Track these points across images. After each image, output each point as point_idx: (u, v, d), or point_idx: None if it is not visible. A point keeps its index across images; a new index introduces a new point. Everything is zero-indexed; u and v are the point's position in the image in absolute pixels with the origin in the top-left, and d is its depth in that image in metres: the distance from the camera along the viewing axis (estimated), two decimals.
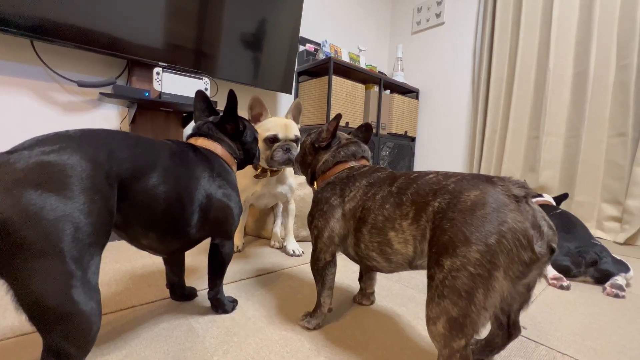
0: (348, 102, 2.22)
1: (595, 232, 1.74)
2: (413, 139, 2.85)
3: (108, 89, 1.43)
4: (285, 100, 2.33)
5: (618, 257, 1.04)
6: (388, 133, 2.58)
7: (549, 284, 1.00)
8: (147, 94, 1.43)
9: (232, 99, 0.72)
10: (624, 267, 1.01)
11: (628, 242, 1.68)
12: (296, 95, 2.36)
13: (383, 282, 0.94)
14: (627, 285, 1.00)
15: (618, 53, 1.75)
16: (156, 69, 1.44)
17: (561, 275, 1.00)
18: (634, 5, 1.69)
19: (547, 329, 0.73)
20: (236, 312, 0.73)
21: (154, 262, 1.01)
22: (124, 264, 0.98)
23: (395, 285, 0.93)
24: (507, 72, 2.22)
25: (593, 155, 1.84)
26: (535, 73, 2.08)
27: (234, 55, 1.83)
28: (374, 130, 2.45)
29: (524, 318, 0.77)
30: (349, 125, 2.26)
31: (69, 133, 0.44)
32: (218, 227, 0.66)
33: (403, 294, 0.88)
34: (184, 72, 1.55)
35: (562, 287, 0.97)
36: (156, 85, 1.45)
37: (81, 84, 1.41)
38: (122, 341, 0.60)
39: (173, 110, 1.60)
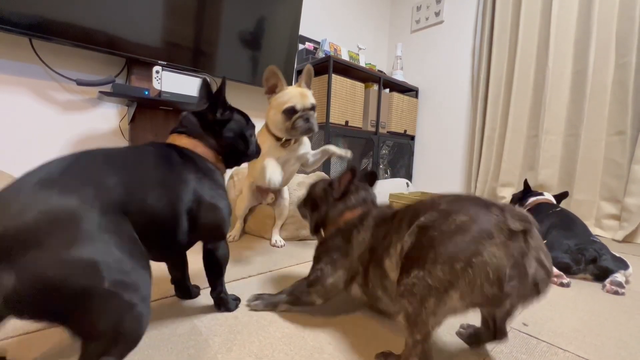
0: (347, 100, 2.22)
1: (594, 230, 1.75)
2: (412, 138, 2.86)
3: (107, 88, 1.42)
4: None
5: (617, 255, 1.05)
6: (387, 132, 2.59)
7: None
8: (146, 93, 1.42)
9: (205, 85, 0.68)
10: (623, 265, 1.02)
11: (627, 240, 1.69)
12: None
13: None
14: (626, 282, 1.00)
15: (617, 51, 1.76)
16: (155, 68, 1.44)
17: (561, 273, 1.00)
18: (633, 4, 1.70)
19: (549, 325, 0.74)
20: (239, 311, 0.73)
21: (156, 262, 1.01)
22: None
23: None
24: (507, 71, 2.22)
25: (592, 154, 1.84)
26: (535, 71, 2.09)
27: (233, 54, 1.82)
28: (374, 129, 2.45)
29: (525, 315, 0.78)
30: (349, 124, 2.26)
31: (53, 169, 0.42)
32: (209, 231, 0.64)
33: None
34: (183, 70, 1.54)
35: (562, 285, 0.98)
36: (155, 84, 1.44)
37: (80, 83, 1.41)
38: None
39: (173, 109, 1.60)
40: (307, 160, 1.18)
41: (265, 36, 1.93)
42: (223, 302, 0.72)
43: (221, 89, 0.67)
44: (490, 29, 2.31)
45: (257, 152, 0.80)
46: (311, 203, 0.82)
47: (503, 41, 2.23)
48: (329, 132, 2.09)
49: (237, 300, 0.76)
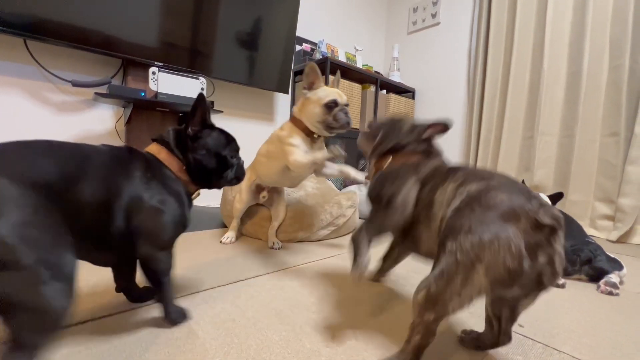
0: None
1: (588, 231, 1.77)
2: None
3: (103, 89, 1.42)
4: (282, 100, 2.33)
5: (611, 255, 1.06)
6: None
7: None
8: (143, 94, 1.41)
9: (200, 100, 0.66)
10: (617, 265, 1.03)
11: (621, 240, 1.71)
12: (292, 96, 2.35)
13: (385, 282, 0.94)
14: (621, 282, 1.01)
15: (611, 54, 1.78)
16: (152, 69, 1.43)
17: None
18: (626, 8, 1.72)
19: (544, 326, 0.74)
20: (236, 314, 0.73)
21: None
22: None
23: (397, 284, 0.94)
24: (502, 73, 2.24)
25: (586, 155, 1.86)
26: (530, 73, 2.11)
27: (229, 55, 1.82)
28: None
29: (521, 316, 0.78)
30: None
31: None
32: (142, 234, 0.58)
33: (403, 294, 0.89)
34: (180, 71, 1.54)
35: (557, 286, 0.99)
36: (152, 85, 1.43)
37: (75, 84, 1.40)
38: (122, 344, 0.60)
39: (169, 111, 1.59)
40: (323, 165, 1.20)
41: (262, 37, 1.93)
42: (166, 314, 0.67)
43: (196, 106, 0.65)
44: (486, 31, 2.33)
45: (237, 179, 0.75)
46: (387, 129, 0.78)
47: (499, 43, 2.25)
48: None
49: (183, 314, 0.69)
